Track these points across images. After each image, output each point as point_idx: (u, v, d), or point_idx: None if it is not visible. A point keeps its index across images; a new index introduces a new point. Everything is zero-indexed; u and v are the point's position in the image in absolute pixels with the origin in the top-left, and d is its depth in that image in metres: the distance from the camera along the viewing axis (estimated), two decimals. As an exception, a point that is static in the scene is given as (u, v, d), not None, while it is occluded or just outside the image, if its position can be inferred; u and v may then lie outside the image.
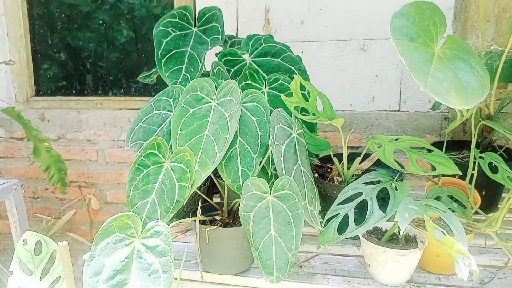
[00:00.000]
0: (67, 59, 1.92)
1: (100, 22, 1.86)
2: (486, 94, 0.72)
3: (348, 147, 1.56)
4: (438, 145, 1.08)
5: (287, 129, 0.83)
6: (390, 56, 1.52)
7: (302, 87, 0.89)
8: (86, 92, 1.91)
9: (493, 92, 1.03)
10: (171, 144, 0.81)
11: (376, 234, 0.88)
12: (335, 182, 1.01)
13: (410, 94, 1.54)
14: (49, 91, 1.94)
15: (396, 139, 0.88)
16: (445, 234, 0.67)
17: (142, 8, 1.82)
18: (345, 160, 0.99)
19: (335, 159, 1.00)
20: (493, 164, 0.88)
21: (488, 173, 0.86)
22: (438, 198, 1.00)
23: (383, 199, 0.78)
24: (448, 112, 1.51)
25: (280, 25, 1.58)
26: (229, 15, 1.60)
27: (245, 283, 0.88)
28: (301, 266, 0.93)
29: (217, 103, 0.83)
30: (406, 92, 1.54)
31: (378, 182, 0.81)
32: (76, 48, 1.90)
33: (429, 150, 0.91)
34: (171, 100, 0.89)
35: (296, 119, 0.87)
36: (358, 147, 1.59)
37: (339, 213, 0.78)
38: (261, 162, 0.83)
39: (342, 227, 0.78)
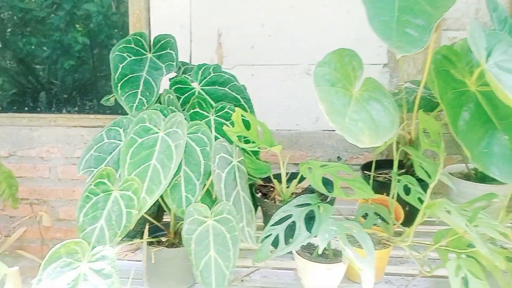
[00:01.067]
0: (19, 73, 1.92)
1: (55, 29, 1.85)
2: (395, 129, 0.85)
3: (294, 164, 1.67)
4: (371, 164, 1.23)
5: (228, 157, 0.92)
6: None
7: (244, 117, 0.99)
8: (39, 109, 1.92)
9: (413, 120, 1.18)
10: (120, 172, 0.88)
11: (309, 249, 0.98)
12: (276, 202, 1.11)
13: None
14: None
15: (325, 165, 0.99)
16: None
17: (100, 15, 1.84)
18: (283, 181, 1.09)
19: (274, 181, 1.10)
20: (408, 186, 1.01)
21: (402, 194, 0.99)
22: (365, 215, 1.13)
23: (311, 219, 0.89)
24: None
25: (232, 49, 1.68)
26: (183, 38, 1.68)
27: (190, 298, 0.96)
28: (242, 280, 1.02)
29: (164, 134, 0.91)
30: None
31: (308, 204, 0.92)
32: (28, 61, 1.90)
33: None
34: (121, 130, 0.96)
35: (237, 147, 0.97)
36: (304, 164, 1.71)
37: (271, 234, 0.88)
38: (204, 186, 0.91)
39: (275, 245, 0.88)
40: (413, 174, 1.10)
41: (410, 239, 0.97)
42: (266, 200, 1.10)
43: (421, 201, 0.96)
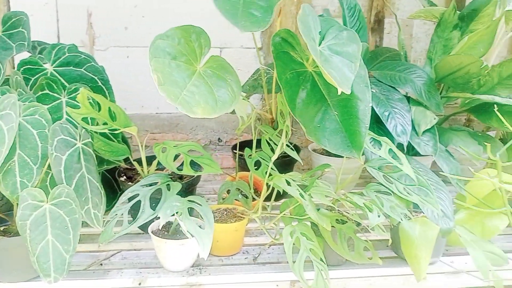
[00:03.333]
0: None
1: None
2: (234, 105, 0.89)
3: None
4: (245, 143, 1.28)
5: (70, 139, 0.89)
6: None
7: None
8: None
9: (273, 100, 1.24)
10: None
11: (167, 228, 1.00)
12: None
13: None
14: None
15: (179, 145, 1.00)
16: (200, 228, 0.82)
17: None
18: (144, 163, 1.09)
19: (135, 163, 1.09)
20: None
21: (252, 169, 1.05)
22: (228, 191, 1.18)
23: (159, 198, 0.90)
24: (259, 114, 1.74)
25: (104, 29, 1.61)
26: (49, 17, 1.57)
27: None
28: (101, 264, 1.01)
29: (-4, 116, 0.85)
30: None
31: (156, 183, 0.93)
32: None
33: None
34: None
35: (84, 130, 0.94)
36: (185, 147, 1.72)
37: (117, 214, 0.87)
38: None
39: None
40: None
41: (260, 211, 1.03)
42: (129, 183, 1.09)
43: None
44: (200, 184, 1.58)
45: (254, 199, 1.17)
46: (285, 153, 1.06)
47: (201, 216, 0.88)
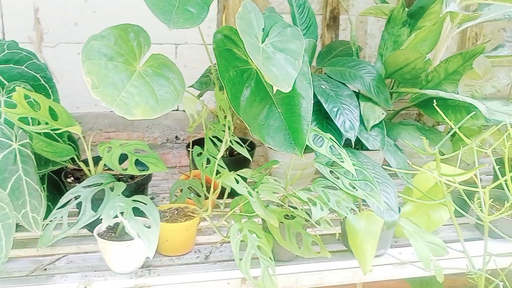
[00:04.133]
0: None
1: None
2: (177, 103, 0.87)
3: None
4: (200, 142, 1.26)
5: (5, 141, 0.85)
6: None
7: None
8: None
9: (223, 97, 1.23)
10: None
11: (114, 230, 0.98)
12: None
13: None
14: None
15: (124, 144, 0.98)
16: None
17: None
18: (90, 163, 1.06)
19: (81, 163, 1.06)
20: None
21: (200, 168, 1.04)
22: (181, 190, 1.16)
23: (101, 199, 0.88)
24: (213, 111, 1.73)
25: (53, 25, 1.55)
26: (-8, 12, 1.50)
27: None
28: (45, 269, 0.97)
29: None
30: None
31: (100, 184, 0.91)
32: None
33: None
34: None
35: (21, 130, 0.90)
36: (142, 145, 1.68)
37: (56, 217, 0.85)
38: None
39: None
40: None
41: (210, 210, 1.02)
42: (76, 184, 1.06)
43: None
44: (157, 183, 1.56)
45: (208, 198, 1.16)
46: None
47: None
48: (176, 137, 1.70)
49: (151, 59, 0.89)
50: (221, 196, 1.10)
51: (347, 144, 1.33)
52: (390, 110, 1.50)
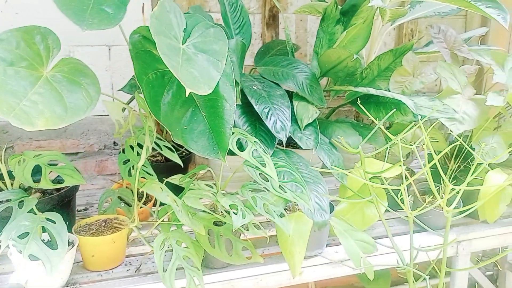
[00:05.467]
0: None
1: None
2: (90, 111, 0.82)
3: (67, 154, 1.55)
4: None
5: None
6: (98, 62, 1.57)
7: None
8: None
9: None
10: None
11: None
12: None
13: (121, 98, 1.63)
14: None
15: (39, 155, 0.92)
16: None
17: None
18: (5, 177, 0.99)
19: (-6, 178, 0.99)
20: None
21: (124, 176, 0.99)
22: (110, 200, 1.11)
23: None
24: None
25: (-29, 28, 1.44)
26: None
27: None
28: (-46, 295, 0.89)
29: None
30: (118, 96, 1.62)
31: (8, 200, 0.84)
32: None
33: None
34: None
35: None
36: (77, 153, 1.60)
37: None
38: None
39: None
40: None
41: (137, 220, 0.98)
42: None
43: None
44: (93, 192, 1.50)
45: (142, 207, 1.11)
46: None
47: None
48: (114, 143, 1.63)
49: (61, 63, 0.84)
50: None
51: (288, 143, 1.32)
52: (327, 108, 1.50)
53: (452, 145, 1.09)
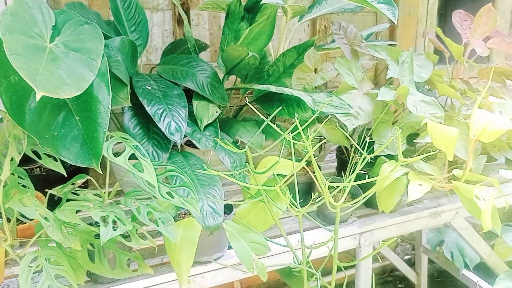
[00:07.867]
0: None
1: None
2: None
3: None
4: None
5: None
6: None
7: None
8: None
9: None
10: None
11: None
12: None
13: None
14: None
15: None
16: None
17: None
18: None
19: None
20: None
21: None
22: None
23: None
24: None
25: None
26: None
27: None
28: None
29: None
30: None
31: None
32: None
33: None
34: None
35: None
36: None
37: None
38: None
39: None
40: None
41: (10, 238, 0.89)
42: None
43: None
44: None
45: (23, 223, 1.02)
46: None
47: None
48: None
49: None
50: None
51: (188, 144, 1.28)
52: (237, 107, 1.48)
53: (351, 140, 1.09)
